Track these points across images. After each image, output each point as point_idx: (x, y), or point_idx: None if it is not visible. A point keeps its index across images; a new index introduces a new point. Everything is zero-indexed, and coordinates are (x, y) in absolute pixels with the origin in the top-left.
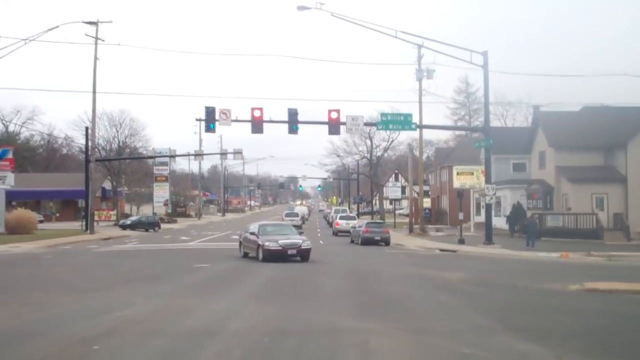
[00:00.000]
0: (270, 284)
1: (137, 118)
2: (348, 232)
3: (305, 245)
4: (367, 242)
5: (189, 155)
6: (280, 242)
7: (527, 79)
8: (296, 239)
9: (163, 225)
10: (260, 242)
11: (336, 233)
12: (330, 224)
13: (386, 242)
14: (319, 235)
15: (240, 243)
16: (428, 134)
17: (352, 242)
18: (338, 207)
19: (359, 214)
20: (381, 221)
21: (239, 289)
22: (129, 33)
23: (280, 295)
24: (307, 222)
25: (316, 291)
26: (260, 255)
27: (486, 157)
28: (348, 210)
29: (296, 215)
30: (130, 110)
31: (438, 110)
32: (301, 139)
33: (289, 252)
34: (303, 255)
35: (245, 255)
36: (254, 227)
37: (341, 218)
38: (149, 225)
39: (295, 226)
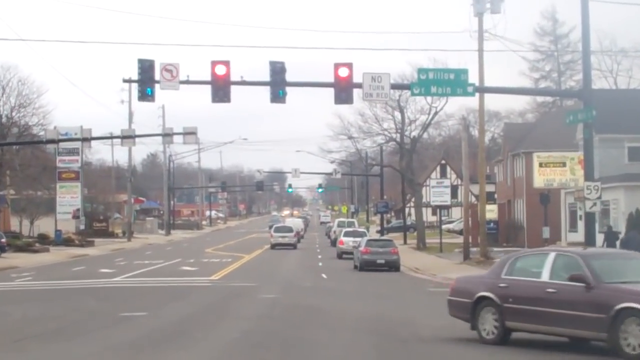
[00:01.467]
0: (252, 344)
1: (30, 79)
2: None
3: None
4: (367, 265)
5: (112, 137)
6: None
7: None
8: None
9: (73, 250)
10: None
11: (341, 255)
12: (333, 243)
13: (393, 266)
14: (319, 260)
15: None
16: (493, 102)
17: (355, 267)
18: (343, 220)
19: (383, 230)
20: (387, 239)
21: (196, 351)
22: None
23: None
24: (303, 240)
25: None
26: None
27: (586, 139)
28: (356, 223)
29: (289, 230)
30: (20, 66)
31: (509, 63)
32: (292, 112)
33: None
34: None
35: None
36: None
37: (346, 235)
38: None
39: (288, 245)
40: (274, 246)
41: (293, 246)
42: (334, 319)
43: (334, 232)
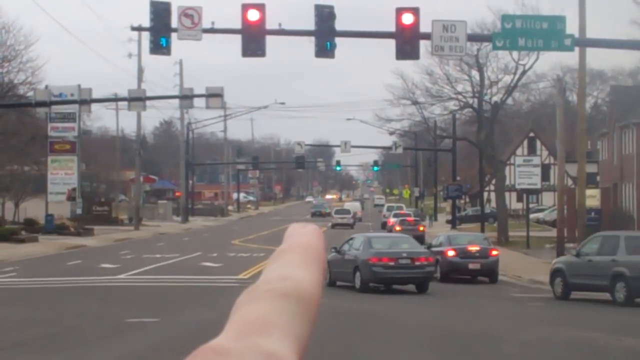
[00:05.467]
0: None
1: (16, 26)
2: None
3: None
4: None
5: (117, 99)
6: None
7: None
8: None
9: (67, 240)
10: None
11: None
12: (383, 226)
13: (419, 240)
14: None
15: None
16: (597, 59)
17: None
18: (392, 205)
19: (455, 220)
20: (417, 218)
21: None
22: None
23: None
24: (357, 224)
25: None
26: None
27: None
28: (404, 207)
29: (347, 212)
30: (3, 8)
31: (617, 8)
32: (342, 70)
33: None
34: None
35: None
36: None
37: (395, 216)
38: None
39: (344, 225)
40: (333, 226)
41: (350, 226)
42: (392, 329)
43: (384, 215)
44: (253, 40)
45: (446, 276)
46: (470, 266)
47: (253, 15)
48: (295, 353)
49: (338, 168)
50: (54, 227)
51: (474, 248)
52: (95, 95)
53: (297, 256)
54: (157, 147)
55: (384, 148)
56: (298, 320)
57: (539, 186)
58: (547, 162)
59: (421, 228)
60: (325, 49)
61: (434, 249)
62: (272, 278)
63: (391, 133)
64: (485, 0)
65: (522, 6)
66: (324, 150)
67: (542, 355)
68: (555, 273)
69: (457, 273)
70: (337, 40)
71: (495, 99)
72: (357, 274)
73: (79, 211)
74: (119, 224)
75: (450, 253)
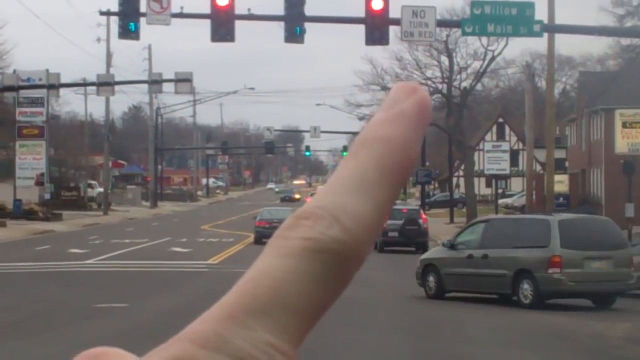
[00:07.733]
0: None
1: None
2: None
3: None
4: None
5: (86, 84)
6: None
7: None
8: None
9: (35, 225)
10: None
11: None
12: None
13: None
14: None
15: None
16: (565, 45)
17: None
18: None
19: (424, 204)
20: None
21: None
22: None
23: None
24: None
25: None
26: None
27: None
28: None
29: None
30: None
31: None
32: (311, 56)
33: None
34: None
35: None
36: None
37: None
38: None
39: None
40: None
41: None
42: (361, 312)
43: None
44: (222, 25)
45: None
46: None
47: (222, 0)
48: (294, 344)
49: (308, 153)
50: (22, 212)
51: None
52: (63, 80)
53: (370, 162)
54: (125, 132)
55: (353, 133)
56: (322, 288)
57: (507, 171)
58: (515, 147)
59: None
60: (294, 34)
61: None
62: (313, 212)
63: (360, 118)
64: None
65: None
66: (293, 135)
67: (511, 339)
68: None
69: None
70: (307, 25)
71: (464, 84)
72: None
73: (47, 196)
74: (88, 209)
75: None
